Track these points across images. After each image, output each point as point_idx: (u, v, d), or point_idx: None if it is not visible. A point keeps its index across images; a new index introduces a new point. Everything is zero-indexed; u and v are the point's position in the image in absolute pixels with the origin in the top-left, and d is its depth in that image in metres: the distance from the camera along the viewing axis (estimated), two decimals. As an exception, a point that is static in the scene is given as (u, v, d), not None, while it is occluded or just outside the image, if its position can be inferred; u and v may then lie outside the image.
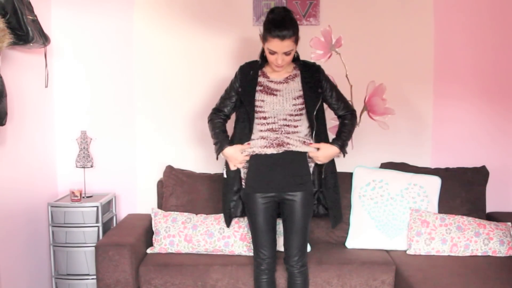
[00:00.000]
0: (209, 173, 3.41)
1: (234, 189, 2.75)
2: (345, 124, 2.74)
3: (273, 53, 2.52)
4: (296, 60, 2.69)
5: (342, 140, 2.69)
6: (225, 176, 2.77)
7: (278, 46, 2.48)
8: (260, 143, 2.62)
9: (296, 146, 2.61)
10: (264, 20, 2.58)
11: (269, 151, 2.61)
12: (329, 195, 2.74)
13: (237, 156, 2.65)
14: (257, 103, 2.62)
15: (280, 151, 2.61)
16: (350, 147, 3.18)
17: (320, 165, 2.71)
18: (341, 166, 3.33)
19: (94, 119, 3.53)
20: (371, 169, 3.32)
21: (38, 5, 2.98)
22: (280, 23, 2.46)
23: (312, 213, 2.74)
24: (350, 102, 2.82)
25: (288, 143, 2.61)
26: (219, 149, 2.70)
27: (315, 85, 2.65)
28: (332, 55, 3.09)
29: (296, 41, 2.52)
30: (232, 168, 2.70)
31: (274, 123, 2.61)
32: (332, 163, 2.76)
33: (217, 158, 2.77)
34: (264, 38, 2.54)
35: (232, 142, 2.71)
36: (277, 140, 2.61)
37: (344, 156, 2.72)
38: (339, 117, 2.78)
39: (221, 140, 2.70)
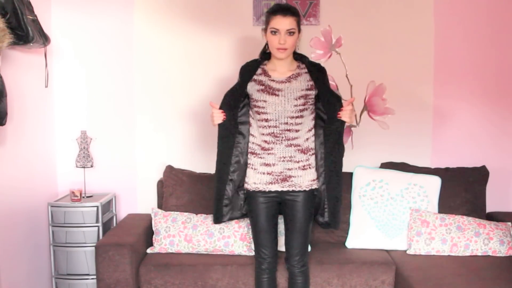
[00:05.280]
0: (209, 173, 3.41)
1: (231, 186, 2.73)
2: None
3: (275, 32, 2.53)
4: (301, 60, 2.69)
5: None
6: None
7: (281, 22, 2.51)
8: (265, 178, 2.63)
9: (298, 177, 2.62)
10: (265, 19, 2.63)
11: (274, 187, 2.63)
12: (330, 197, 2.70)
13: (215, 111, 2.64)
14: (259, 104, 2.61)
15: (285, 189, 2.63)
16: (350, 147, 3.18)
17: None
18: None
19: (94, 119, 3.53)
20: (371, 169, 3.33)
21: (38, 5, 2.98)
22: (283, 5, 2.61)
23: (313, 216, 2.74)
24: None
25: (290, 176, 2.62)
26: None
27: (323, 80, 2.68)
28: (332, 55, 3.08)
29: (298, 25, 2.56)
30: (217, 122, 2.65)
31: (275, 126, 2.60)
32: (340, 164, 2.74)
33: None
34: (266, 22, 2.58)
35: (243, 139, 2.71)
36: (281, 175, 2.62)
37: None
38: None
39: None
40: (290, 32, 2.53)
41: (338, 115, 2.61)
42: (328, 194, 2.68)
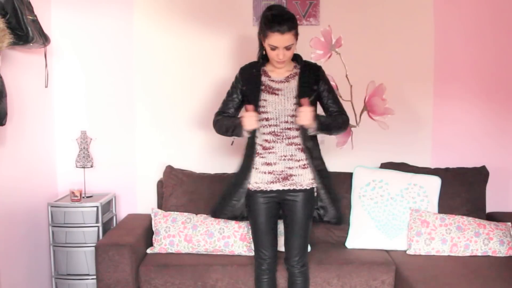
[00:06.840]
0: (209, 173, 3.41)
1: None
2: (333, 115, 2.68)
3: (274, 48, 2.52)
4: (297, 59, 2.69)
5: (323, 117, 2.61)
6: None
7: (279, 40, 2.48)
8: (266, 178, 2.63)
9: (299, 176, 2.62)
10: (261, 18, 2.59)
11: (275, 186, 2.63)
12: (333, 195, 2.72)
13: (250, 115, 2.54)
14: (260, 103, 2.62)
15: (286, 188, 2.62)
16: (350, 147, 3.18)
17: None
18: (341, 166, 3.34)
19: (94, 119, 3.53)
20: (371, 169, 3.32)
21: (38, 5, 2.98)
22: (279, 18, 2.49)
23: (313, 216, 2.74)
24: (345, 109, 2.76)
25: (291, 175, 2.61)
26: (237, 128, 2.59)
27: (311, 82, 2.64)
28: (332, 55, 3.08)
29: (296, 36, 2.54)
30: (251, 127, 2.54)
31: (276, 125, 2.60)
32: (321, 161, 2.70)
33: (232, 143, 2.72)
34: (263, 35, 2.54)
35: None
36: (282, 174, 2.62)
37: (314, 131, 2.55)
38: None
39: (234, 120, 2.63)
40: (288, 48, 2.52)
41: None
42: (328, 192, 2.68)
